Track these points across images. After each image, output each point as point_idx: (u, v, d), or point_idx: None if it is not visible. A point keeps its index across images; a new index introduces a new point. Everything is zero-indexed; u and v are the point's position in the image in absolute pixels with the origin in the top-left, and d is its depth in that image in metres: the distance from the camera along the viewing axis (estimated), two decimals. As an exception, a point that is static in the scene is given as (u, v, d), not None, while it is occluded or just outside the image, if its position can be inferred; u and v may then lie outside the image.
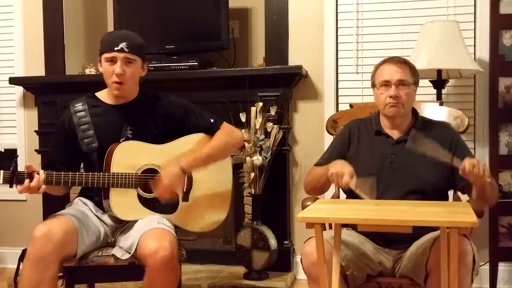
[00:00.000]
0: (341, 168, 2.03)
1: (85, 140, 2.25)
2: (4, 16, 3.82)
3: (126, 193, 2.18)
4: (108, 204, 2.19)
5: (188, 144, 2.32)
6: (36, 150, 3.62)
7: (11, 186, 2.04)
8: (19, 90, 3.76)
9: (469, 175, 1.91)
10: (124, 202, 2.19)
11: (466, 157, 1.95)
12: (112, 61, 2.21)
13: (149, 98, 2.35)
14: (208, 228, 2.37)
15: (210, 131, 2.37)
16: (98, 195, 2.25)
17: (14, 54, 3.79)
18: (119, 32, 2.33)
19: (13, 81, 3.64)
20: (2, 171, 2.01)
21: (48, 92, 3.59)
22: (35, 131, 3.65)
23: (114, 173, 2.17)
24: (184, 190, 2.27)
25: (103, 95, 2.35)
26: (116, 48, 2.20)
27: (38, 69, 3.67)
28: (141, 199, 2.22)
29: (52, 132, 3.53)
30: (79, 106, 2.31)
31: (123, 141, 2.24)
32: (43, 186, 2.08)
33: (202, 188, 2.32)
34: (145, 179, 2.23)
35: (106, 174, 2.16)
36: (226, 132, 2.37)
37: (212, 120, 2.39)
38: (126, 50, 2.21)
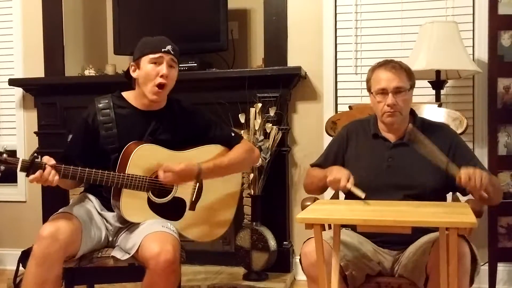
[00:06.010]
0: (338, 174, 2.05)
1: (107, 139, 2.21)
2: (3, 17, 3.82)
3: (136, 195, 2.16)
4: (117, 203, 2.16)
5: (207, 154, 2.31)
6: (35, 152, 3.62)
7: (27, 175, 2.00)
8: (18, 91, 3.77)
9: (466, 186, 1.91)
10: (133, 203, 2.17)
11: (463, 166, 1.93)
12: (157, 62, 2.18)
13: (174, 108, 2.32)
14: (205, 239, 2.37)
15: (230, 144, 2.38)
16: (107, 192, 2.21)
17: (14, 56, 3.79)
18: (161, 36, 2.28)
19: (13, 82, 3.64)
20: (21, 158, 1.98)
21: (47, 93, 3.59)
22: (35, 133, 3.65)
23: (129, 174, 2.14)
24: (193, 199, 2.27)
25: (130, 97, 2.30)
26: (163, 50, 2.18)
27: (37, 71, 3.67)
28: (150, 203, 2.21)
29: (52, 134, 3.59)
30: (104, 103, 2.25)
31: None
32: (56, 178, 2.01)
33: (208, 200, 2.32)
34: (158, 184, 2.21)
35: (121, 174, 2.13)
36: (247, 148, 2.39)
37: (233, 134, 2.42)
38: (172, 53, 2.20)
